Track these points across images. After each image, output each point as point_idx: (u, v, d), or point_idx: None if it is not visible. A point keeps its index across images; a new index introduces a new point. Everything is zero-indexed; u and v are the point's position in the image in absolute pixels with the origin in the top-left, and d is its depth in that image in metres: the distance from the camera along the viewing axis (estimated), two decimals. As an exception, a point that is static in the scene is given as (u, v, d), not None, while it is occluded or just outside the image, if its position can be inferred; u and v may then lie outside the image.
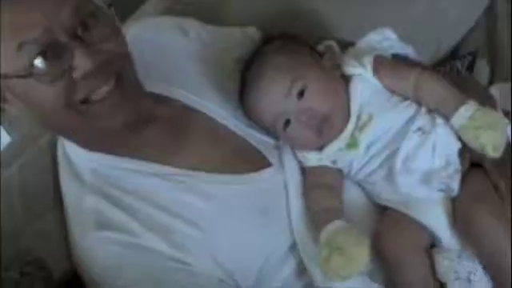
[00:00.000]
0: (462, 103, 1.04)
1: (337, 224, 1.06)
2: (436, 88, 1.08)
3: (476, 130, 1.01)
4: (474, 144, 1.02)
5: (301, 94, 1.09)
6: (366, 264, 1.03)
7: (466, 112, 1.02)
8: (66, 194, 1.14)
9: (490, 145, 1.00)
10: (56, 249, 1.13)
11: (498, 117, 1.02)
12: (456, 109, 1.03)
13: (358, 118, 1.10)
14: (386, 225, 1.09)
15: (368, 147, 1.09)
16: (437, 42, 1.57)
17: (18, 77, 0.94)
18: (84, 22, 0.96)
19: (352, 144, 1.10)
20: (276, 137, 1.18)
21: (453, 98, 1.06)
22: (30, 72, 0.93)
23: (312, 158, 1.14)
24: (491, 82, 1.45)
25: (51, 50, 0.93)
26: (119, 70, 1.01)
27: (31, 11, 0.91)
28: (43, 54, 0.93)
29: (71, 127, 1.05)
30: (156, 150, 1.10)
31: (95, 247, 1.06)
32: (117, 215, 1.06)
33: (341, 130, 1.10)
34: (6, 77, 0.94)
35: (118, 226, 1.05)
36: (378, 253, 1.07)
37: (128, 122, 1.04)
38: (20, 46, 0.92)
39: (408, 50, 1.21)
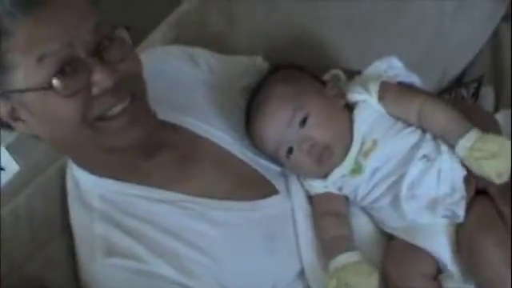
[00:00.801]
0: (465, 132, 1.04)
1: (347, 257, 1.06)
2: (439, 116, 1.09)
3: (478, 160, 1.01)
4: (478, 173, 1.03)
5: (303, 122, 1.10)
6: None
7: (468, 142, 1.03)
8: (74, 221, 1.14)
9: (494, 173, 1.00)
10: (64, 277, 1.13)
11: (501, 143, 1.02)
12: (459, 138, 1.04)
13: (362, 144, 1.10)
14: (394, 255, 1.09)
15: (373, 173, 1.09)
16: (442, 70, 1.59)
17: (38, 90, 0.94)
18: (102, 41, 0.97)
19: (356, 170, 1.10)
20: (282, 164, 1.18)
21: (456, 127, 1.06)
22: (49, 85, 0.93)
23: (318, 186, 1.15)
24: (496, 109, 1.45)
25: (71, 65, 0.94)
26: (134, 89, 1.02)
27: (53, 24, 0.93)
28: (63, 67, 0.94)
29: (83, 147, 1.04)
30: (164, 176, 1.11)
31: (104, 274, 1.06)
32: (125, 241, 1.06)
33: (341, 159, 1.11)
34: (26, 90, 0.95)
35: (126, 252, 1.05)
36: (388, 283, 1.07)
37: (140, 142, 1.04)
38: (40, 59, 0.93)
39: (413, 78, 1.21)
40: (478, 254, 1.01)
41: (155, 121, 1.07)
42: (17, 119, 1.00)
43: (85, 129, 0.98)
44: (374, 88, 1.12)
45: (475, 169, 1.03)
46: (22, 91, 0.95)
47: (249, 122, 1.17)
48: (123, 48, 1.00)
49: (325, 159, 1.10)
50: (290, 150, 1.12)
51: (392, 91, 1.13)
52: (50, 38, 0.92)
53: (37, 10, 0.92)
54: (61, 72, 0.94)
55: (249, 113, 1.17)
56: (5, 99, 0.97)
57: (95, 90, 0.96)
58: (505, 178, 1.01)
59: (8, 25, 0.92)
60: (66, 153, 1.13)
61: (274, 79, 1.17)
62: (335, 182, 1.13)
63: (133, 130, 1.01)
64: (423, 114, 1.09)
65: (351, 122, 1.12)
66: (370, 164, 1.09)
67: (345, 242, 1.10)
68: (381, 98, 1.12)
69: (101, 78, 0.95)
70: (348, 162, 1.11)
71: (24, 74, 0.94)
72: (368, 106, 1.12)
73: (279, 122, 1.12)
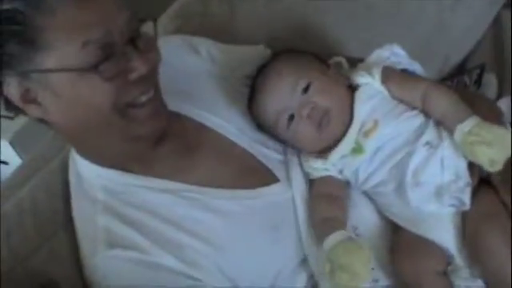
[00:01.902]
0: (465, 118, 1.04)
1: (336, 236, 1.06)
2: (442, 100, 1.09)
3: (473, 146, 1.01)
4: (472, 159, 1.03)
5: (305, 90, 1.12)
6: (371, 274, 1.04)
7: (466, 127, 1.03)
8: (77, 214, 1.14)
9: (486, 160, 1.00)
10: (69, 270, 1.13)
11: (498, 132, 1.02)
12: (458, 122, 1.04)
13: (363, 124, 1.11)
14: (402, 249, 1.09)
15: (374, 153, 1.10)
16: (444, 57, 1.58)
17: (81, 70, 0.96)
18: (135, 32, 1.01)
19: (357, 149, 1.11)
20: (283, 151, 1.20)
21: (457, 112, 1.06)
22: (93, 67, 0.96)
23: (319, 168, 1.15)
24: (499, 96, 1.45)
25: (111, 50, 0.97)
26: (156, 80, 1.07)
27: (95, 11, 0.95)
28: (105, 52, 0.96)
29: (101, 134, 1.05)
30: (167, 166, 1.11)
31: (106, 266, 1.06)
32: (128, 233, 1.06)
33: (340, 131, 1.12)
34: (69, 70, 0.96)
35: (129, 243, 1.05)
36: (397, 275, 1.08)
37: (161, 132, 1.09)
38: (85, 44, 0.95)
39: (415, 66, 1.22)
40: (482, 243, 1.01)
41: (169, 112, 1.10)
42: (30, 102, 1.00)
43: (114, 114, 1.00)
44: (377, 71, 1.13)
45: (469, 154, 1.03)
46: (66, 70, 0.96)
47: (252, 97, 1.18)
48: (150, 40, 1.03)
49: (324, 124, 1.11)
50: (291, 118, 1.13)
51: (395, 75, 1.14)
52: (95, 24, 0.95)
53: None
54: (104, 56, 0.96)
55: (252, 89, 1.19)
56: (21, 79, 0.97)
57: (133, 75, 1.00)
58: (498, 167, 1.01)
59: (51, 3, 0.93)
60: (77, 140, 1.11)
61: (278, 58, 1.19)
62: (336, 163, 1.14)
63: (157, 119, 1.06)
64: (427, 97, 1.10)
65: (353, 101, 1.13)
66: (370, 144, 1.10)
67: (333, 223, 1.09)
68: (384, 81, 1.13)
69: (138, 64, 0.99)
70: (348, 141, 1.11)
71: (61, 55, 0.95)
72: (371, 88, 1.13)
73: (282, 90, 1.13)
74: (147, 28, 1.04)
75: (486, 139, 1.00)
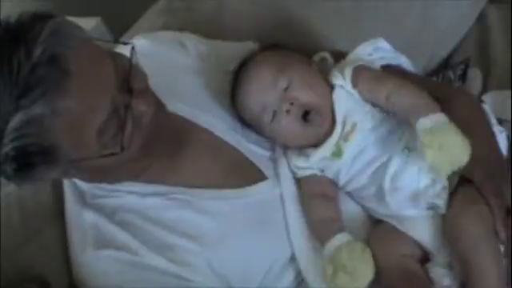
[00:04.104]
0: (430, 112, 1.01)
1: (339, 239, 1.07)
2: (407, 99, 1.06)
3: (424, 146, 0.98)
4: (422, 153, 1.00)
5: (286, 86, 1.11)
6: (372, 277, 1.05)
7: (429, 122, 1.00)
8: (66, 210, 1.14)
9: (430, 163, 0.98)
10: (58, 265, 1.13)
11: (452, 139, 0.98)
12: (422, 116, 1.01)
13: (343, 126, 1.10)
14: (378, 235, 1.10)
15: (355, 157, 1.10)
16: (429, 54, 1.59)
17: (104, 156, 0.95)
18: (126, 75, 0.97)
19: (336, 153, 1.11)
20: (272, 148, 1.20)
21: (422, 107, 1.03)
22: (117, 147, 0.95)
23: (301, 166, 1.15)
24: (484, 91, 1.45)
25: (118, 117, 0.96)
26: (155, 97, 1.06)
27: (92, 95, 0.92)
28: (116, 122, 0.95)
29: (115, 169, 1.05)
30: (154, 166, 1.11)
31: (96, 265, 1.06)
32: (117, 233, 1.07)
33: (326, 125, 1.11)
34: (85, 160, 0.95)
35: (118, 244, 1.06)
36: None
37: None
38: (99, 132, 0.93)
39: (401, 60, 1.21)
40: (461, 242, 1.00)
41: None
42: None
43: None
44: (348, 73, 1.12)
45: (420, 149, 1.00)
46: (91, 159, 0.95)
47: (234, 92, 1.17)
48: (138, 68, 1.01)
49: (309, 120, 1.10)
50: (274, 114, 1.12)
51: (365, 77, 1.11)
52: (98, 109, 0.92)
53: (69, 82, 0.88)
54: (118, 131, 0.96)
55: (234, 84, 1.17)
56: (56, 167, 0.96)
57: (146, 120, 0.99)
58: (440, 176, 1.01)
59: (55, 104, 0.88)
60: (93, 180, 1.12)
61: (259, 54, 1.18)
62: (317, 162, 1.13)
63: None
64: (391, 97, 1.07)
65: (332, 101, 1.12)
66: (348, 148, 1.09)
67: (334, 225, 1.11)
68: (355, 84, 1.11)
69: (144, 109, 0.98)
70: (331, 142, 1.11)
71: (85, 145, 0.94)
72: (344, 91, 1.12)
73: (262, 86, 1.12)
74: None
75: (439, 142, 0.97)
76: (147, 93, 1.01)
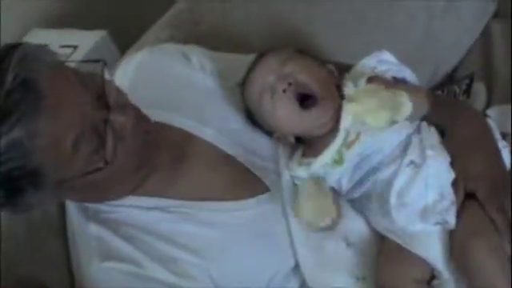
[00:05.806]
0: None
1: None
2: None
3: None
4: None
5: (291, 71, 1.09)
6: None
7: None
8: (70, 222, 1.14)
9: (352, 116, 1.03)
10: (62, 277, 1.14)
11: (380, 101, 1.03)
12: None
13: (347, 134, 1.09)
14: (385, 254, 1.09)
15: (356, 166, 1.09)
16: (433, 68, 1.59)
17: (90, 173, 0.96)
18: (101, 90, 0.99)
19: (338, 160, 1.09)
20: (274, 159, 1.19)
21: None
22: (92, 166, 0.96)
23: (302, 174, 1.13)
24: (488, 105, 1.45)
25: (98, 133, 0.97)
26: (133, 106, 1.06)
27: (67, 113, 0.93)
28: (99, 142, 0.97)
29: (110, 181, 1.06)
30: (154, 181, 1.11)
31: (101, 277, 1.07)
32: (121, 245, 1.07)
33: (327, 117, 1.09)
34: (73, 179, 0.97)
35: (122, 256, 1.06)
36: (377, 280, 1.08)
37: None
38: (74, 148, 0.94)
39: (406, 73, 1.21)
40: (469, 260, 1.00)
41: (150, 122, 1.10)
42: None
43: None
44: (362, 83, 1.11)
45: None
46: (71, 180, 0.97)
47: (242, 85, 1.16)
48: (112, 84, 1.03)
49: (306, 104, 1.08)
50: (272, 96, 1.10)
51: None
52: (70, 125, 0.94)
53: (42, 104, 0.91)
54: (99, 146, 0.97)
55: (243, 79, 1.16)
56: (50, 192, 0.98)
57: (127, 131, 1.00)
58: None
59: (32, 126, 0.90)
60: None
61: (270, 51, 1.16)
62: (319, 170, 1.11)
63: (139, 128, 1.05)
64: None
65: (340, 110, 1.10)
66: (350, 155, 1.08)
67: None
68: None
69: (124, 120, 0.99)
70: (333, 149, 1.09)
71: (66, 165, 0.95)
72: None
73: (268, 66, 1.11)
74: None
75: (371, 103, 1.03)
76: (125, 106, 1.02)
